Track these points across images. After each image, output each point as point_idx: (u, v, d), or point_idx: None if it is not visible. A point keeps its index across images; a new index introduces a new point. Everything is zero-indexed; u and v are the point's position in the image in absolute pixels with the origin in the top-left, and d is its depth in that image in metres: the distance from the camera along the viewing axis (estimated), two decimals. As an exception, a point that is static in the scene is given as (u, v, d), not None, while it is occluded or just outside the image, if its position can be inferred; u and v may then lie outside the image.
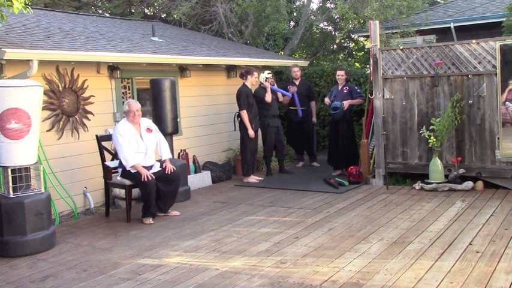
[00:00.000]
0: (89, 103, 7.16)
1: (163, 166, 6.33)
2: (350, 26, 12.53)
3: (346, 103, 8.36)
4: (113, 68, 7.46)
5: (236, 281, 4.10)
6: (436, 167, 7.13)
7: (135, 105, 6.19)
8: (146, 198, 6.07)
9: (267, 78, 8.75)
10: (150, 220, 6.13)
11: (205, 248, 5.03)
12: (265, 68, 10.13)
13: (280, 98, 9.07)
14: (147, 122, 6.45)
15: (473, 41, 7.09)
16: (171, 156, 6.56)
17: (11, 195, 5.13)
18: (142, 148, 6.18)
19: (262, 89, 8.70)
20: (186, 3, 12.47)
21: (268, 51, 12.89)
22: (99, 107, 7.31)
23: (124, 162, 6.08)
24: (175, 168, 6.38)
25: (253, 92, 8.65)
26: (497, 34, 9.13)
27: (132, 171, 6.08)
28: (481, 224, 5.37)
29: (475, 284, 3.79)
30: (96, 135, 6.60)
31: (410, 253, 4.55)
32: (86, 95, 7.12)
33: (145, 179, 5.97)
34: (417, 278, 3.97)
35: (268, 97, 8.58)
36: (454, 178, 7.09)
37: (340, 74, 8.62)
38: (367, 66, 11.45)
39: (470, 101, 7.13)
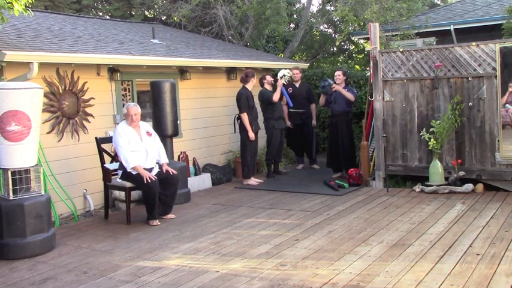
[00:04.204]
0: (89, 105, 7.16)
1: (164, 169, 6.34)
2: (350, 28, 12.53)
3: (336, 86, 8.41)
4: (113, 70, 7.47)
5: (236, 283, 4.10)
6: (436, 169, 7.13)
7: (134, 109, 6.19)
8: (150, 200, 6.06)
9: (284, 75, 8.72)
10: (156, 222, 6.12)
11: (205, 250, 5.03)
12: (265, 70, 10.12)
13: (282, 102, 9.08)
14: (147, 126, 6.49)
15: (473, 43, 7.09)
16: (168, 162, 6.57)
17: (11, 198, 5.12)
18: (143, 150, 6.19)
19: (267, 90, 8.67)
20: (186, 5, 12.49)
21: (268, 53, 12.91)
22: (99, 109, 7.31)
23: (124, 164, 6.07)
24: (175, 172, 6.40)
25: (255, 93, 8.64)
26: (497, 36, 9.11)
27: (134, 172, 6.08)
28: (481, 226, 5.37)
29: (475, 287, 3.79)
30: (96, 138, 6.60)
31: (411, 255, 4.54)
32: (86, 97, 7.13)
33: (147, 181, 5.98)
34: (417, 280, 3.96)
35: (276, 96, 8.55)
36: (454, 180, 7.08)
37: (337, 74, 8.64)
38: (367, 68, 11.46)
39: (470, 103, 7.13)
